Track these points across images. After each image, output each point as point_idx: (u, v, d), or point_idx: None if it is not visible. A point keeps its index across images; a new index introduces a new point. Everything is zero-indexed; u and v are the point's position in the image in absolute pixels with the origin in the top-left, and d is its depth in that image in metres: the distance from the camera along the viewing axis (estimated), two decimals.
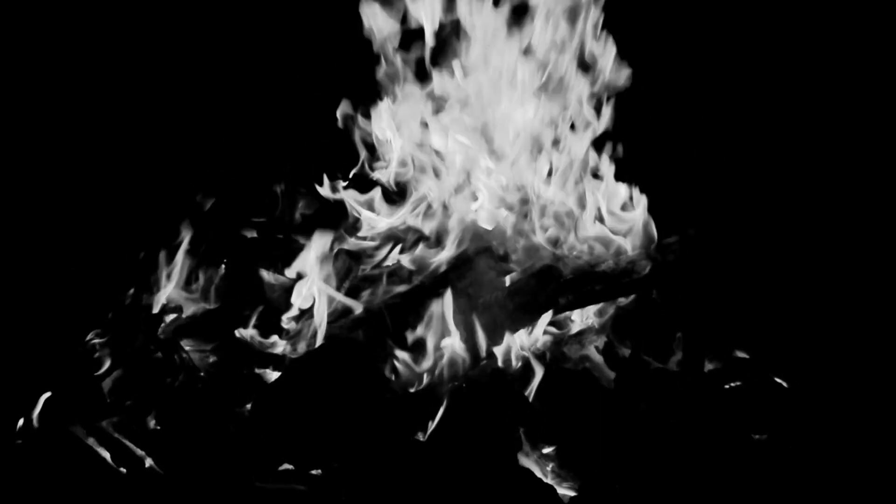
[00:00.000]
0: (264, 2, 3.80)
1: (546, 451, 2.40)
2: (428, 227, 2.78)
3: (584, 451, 2.35)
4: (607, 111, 2.87)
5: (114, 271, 3.10)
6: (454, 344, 2.52)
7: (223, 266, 2.83)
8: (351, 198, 2.87)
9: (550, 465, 2.38)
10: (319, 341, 2.55)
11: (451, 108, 2.85)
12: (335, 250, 2.72)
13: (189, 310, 2.74)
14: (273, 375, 2.53)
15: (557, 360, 2.59)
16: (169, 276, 2.78)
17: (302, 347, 2.60)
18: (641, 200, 2.82)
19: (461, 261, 2.65)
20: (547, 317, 2.62)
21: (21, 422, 2.45)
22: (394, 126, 2.87)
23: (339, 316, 2.62)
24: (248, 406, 2.45)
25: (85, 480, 2.31)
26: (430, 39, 2.80)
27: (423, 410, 2.41)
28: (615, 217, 2.82)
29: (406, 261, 2.70)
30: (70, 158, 3.77)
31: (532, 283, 2.61)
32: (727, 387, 2.56)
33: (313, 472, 2.31)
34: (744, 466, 2.31)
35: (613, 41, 2.84)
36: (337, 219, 2.85)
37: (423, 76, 2.87)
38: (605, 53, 2.83)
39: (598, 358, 2.64)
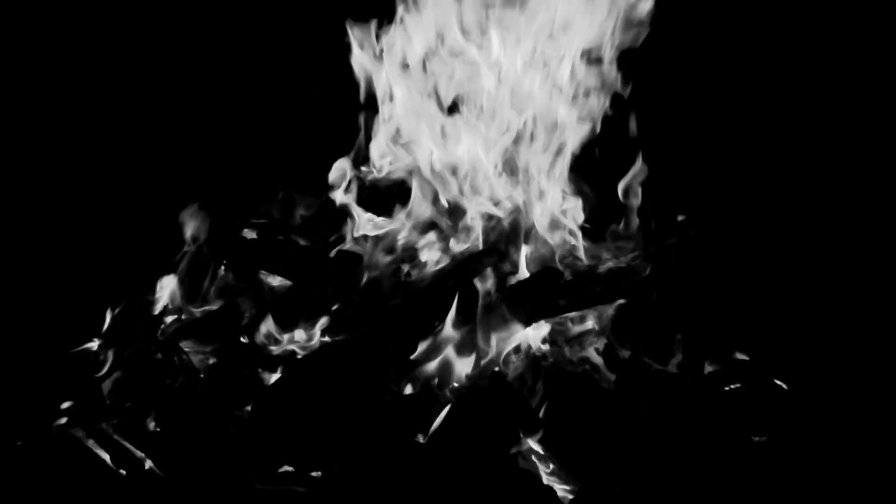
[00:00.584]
0: (265, 3, 3.79)
1: (545, 452, 2.40)
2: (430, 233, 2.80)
3: (584, 452, 2.34)
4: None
5: (114, 272, 3.10)
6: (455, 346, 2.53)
7: (223, 268, 2.82)
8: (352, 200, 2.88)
9: (550, 467, 2.38)
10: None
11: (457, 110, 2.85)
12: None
13: (189, 311, 2.74)
14: (273, 377, 2.53)
15: (557, 362, 2.59)
16: (169, 278, 2.78)
17: (302, 348, 2.61)
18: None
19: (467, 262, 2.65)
20: (546, 319, 2.62)
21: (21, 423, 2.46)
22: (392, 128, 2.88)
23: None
24: (248, 408, 2.45)
25: (85, 482, 2.31)
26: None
27: (422, 412, 2.41)
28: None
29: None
30: (70, 159, 3.77)
31: (532, 285, 2.61)
32: (727, 388, 2.56)
33: (313, 473, 2.31)
34: (743, 468, 2.31)
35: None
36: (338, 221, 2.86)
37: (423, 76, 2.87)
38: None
39: (598, 359, 2.64)
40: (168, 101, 3.83)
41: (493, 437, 2.32)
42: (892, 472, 2.34)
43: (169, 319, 2.70)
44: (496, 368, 2.53)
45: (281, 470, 2.33)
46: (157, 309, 2.73)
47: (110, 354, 2.60)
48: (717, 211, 3.09)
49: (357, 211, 2.88)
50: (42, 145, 3.77)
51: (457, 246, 2.74)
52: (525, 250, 2.75)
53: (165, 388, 2.48)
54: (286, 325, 2.64)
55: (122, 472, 2.33)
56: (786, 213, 3.51)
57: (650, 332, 2.63)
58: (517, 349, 2.60)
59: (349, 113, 3.00)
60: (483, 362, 2.57)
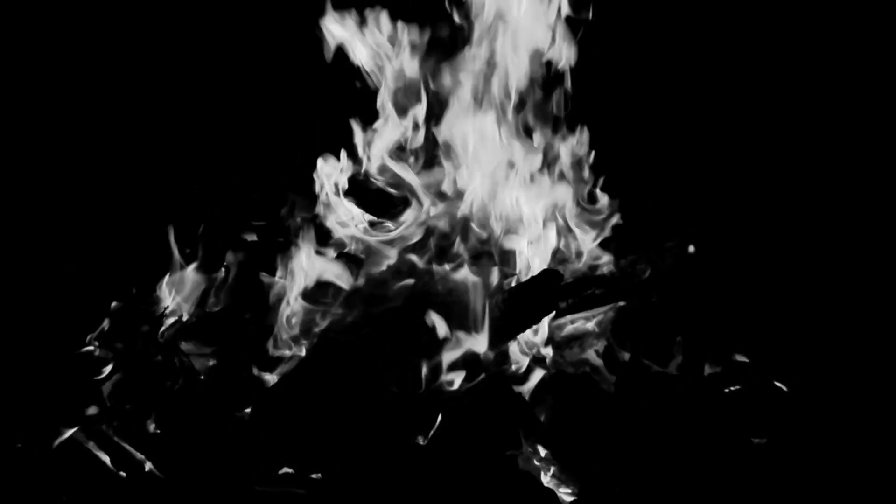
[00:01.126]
0: (267, 4, 3.78)
1: (546, 454, 2.40)
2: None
3: (584, 454, 2.34)
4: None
5: (114, 273, 3.10)
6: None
7: (223, 269, 2.82)
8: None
9: (550, 469, 2.38)
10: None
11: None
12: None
13: (189, 313, 2.74)
14: (273, 378, 2.53)
15: (557, 364, 2.59)
16: (169, 280, 2.78)
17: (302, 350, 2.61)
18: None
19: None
20: (546, 320, 2.62)
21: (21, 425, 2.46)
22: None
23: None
24: (248, 409, 2.45)
25: (84, 484, 2.31)
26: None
27: (423, 414, 2.41)
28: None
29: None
30: (71, 159, 3.77)
31: (532, 287, 2.61)
32: (727, 390, 2.56)
33: (313, 475, 2.32)
34: (743, 470, 2.31)
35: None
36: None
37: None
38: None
39: (598, 361, 2.64)
40: (170, 102, 3.82)
41: (493, 440, 2.32)
42: (893, 473, 2.33)
43: (169, 321, 2.69)
44: (496, 371, 2.53)
45: (281, 472, 2.33)
46: (158, 310, 2.72)
47: (110, 356, 2.59)
48: (717, 212, 3.09)
49: (355, 212, 2.88)
50: (42, 146, 3.77)
51: (454, 249, 2.75)
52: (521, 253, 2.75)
53: (165, 389, 2.48)
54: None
55: (122, 473, 2.33)
56: (786, 215, 3.51)
57: (650, 333, 2.63)
58: (517, 351, 2.60)
59: (348, 113, 3.00)
60: (483, 364, 2.57)
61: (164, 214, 2.91)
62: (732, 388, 2.56)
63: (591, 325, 2.75)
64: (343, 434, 2.34)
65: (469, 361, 2.53)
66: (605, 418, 2.39)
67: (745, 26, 3.73)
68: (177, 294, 2.76)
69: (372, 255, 2.76)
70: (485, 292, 2.53)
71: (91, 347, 2.64)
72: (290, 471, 2.32)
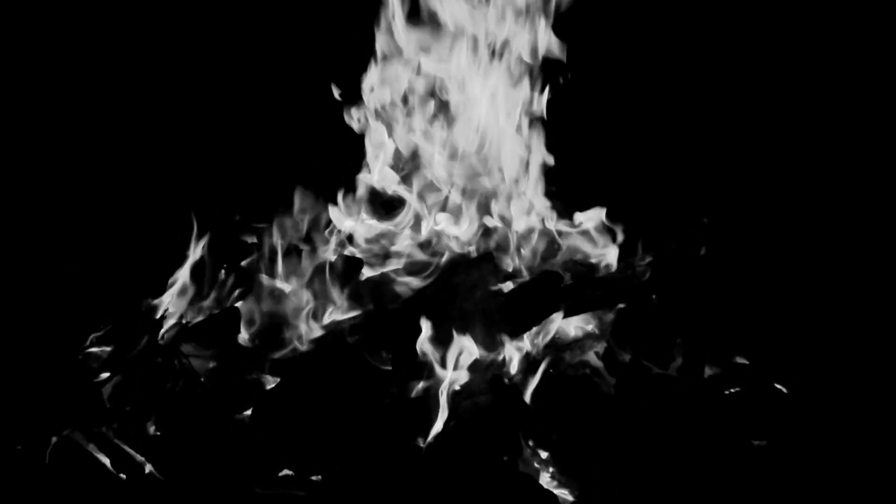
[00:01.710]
0: (270, 4, 3.78)
1: (546, 456, 2.40)
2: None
3: (584, 456, 2.35)
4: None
5: (114, 274, 3.10)
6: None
7: (223, 271, 2.82)
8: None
9: (551, 471, 2.38)
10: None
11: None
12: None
13: (189, 315, 2.74)
14: (273, 381, 2.53)
15: (557, 366, 2.59)
16: (170, 281, 2.78)
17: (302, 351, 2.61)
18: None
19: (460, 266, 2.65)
20: (547, 322, 2.62)
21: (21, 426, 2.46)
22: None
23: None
24: (248, 412, 2.45)
25: (85, 486, 2.31)
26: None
27: (423, 416, 2.41)
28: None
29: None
30: (71, 159, 3.77)
31: (532, 289, 2.61)
32: (727, 392, 2.56)
33: (313, 477, 2.32)
34: (744, 472, 2.32)
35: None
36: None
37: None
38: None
39: (599, 363, 2.64)
40: (171, 103, 3.82)
41: (493, 442, 2.32)
42: (892, 474, 2.34)
43: (169, 323, 2.69)
44: (496, 373, 2.53)
45: (281, 474, 2.33)
46: (158, 312, 2.72)
47: (111, 358, 2.59)
48: (717, 214, 3.08)
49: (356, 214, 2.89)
50: (43, 146, 3.76)
51: (453, 252, 2.75)
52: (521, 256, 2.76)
53: (166, 392, 2.48)
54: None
55: (123, 475, 2.33)
56: (786, 217, 3.51)
57: (650, 335, 2.63)
58: (517, 353, 2.60)
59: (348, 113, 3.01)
60: (483, 366, 2.57)
61: (165, 215, 2.91)
62: (732, 390, 2.56)
63: (591, 327, 2.75)
64: (343, 436, 2.34)
65: (469, 363, 2.54)
66: (605, 420, 2.39)
67: (746, 26, 3.72)
68: (177, 296, 2.76)
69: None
70: (485, 294, 2.54)
71: (91, 349, 2.64)
72: (290, 472, 2.33)
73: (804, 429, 2.50)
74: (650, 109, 3.59)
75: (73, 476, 2.33)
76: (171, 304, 2.74)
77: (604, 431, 2.37)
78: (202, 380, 2.52)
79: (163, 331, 2.65)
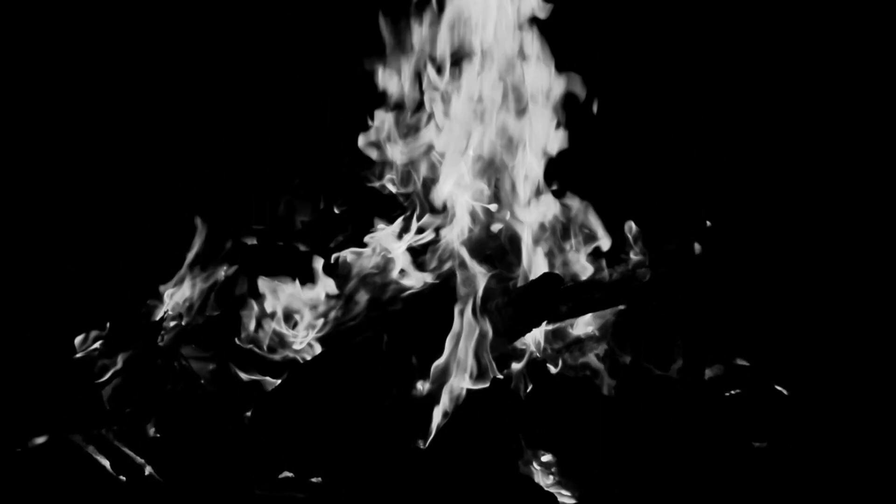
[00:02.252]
0: (270, 5, 3.77)
1: (546, 458, 2.40)
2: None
3: (585, 458, 2.35)
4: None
5: (114, 275, 3.10)
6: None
7: (223, 273, 2.82)
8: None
9: (551, 473, 2.38)
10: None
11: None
12: None
13: (189, 317, 2.74)
14: (273, 382, 2.53)
15: (558, 368, 2.59)
16: (170, 283, 2.78)
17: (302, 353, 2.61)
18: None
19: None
20: (547, 324, 2.62)
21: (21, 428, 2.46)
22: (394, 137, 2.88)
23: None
24: (248, 413, 2.45)
25: (84, 488, 2.31)
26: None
27: (423, 417, 2.41)
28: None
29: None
30: (71, 159, 3.77)
31: (532, 291, 2.61)
32: (727, 394, 2.56)
33: (313, 479, 2.32)
34: (744, 473, 2.32)
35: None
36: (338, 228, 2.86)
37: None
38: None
39: (599, 365, 2.64)
40: (171, 104, 3.81)
41: (493, 443, 2.32)
42: (892, 475, 2.34)
43: (170, 325, 2.69)
44: (496, 375, 2.53)
45: (281, 475, 2.33)
46: (158, 314, 2.72)
47: (110, 359, 2.59)
48: (718, 216, 3.08)
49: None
50: (43, 146, 3.76)
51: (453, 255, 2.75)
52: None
53: (165, 393, 2.48)
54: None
55: (122, 478, 2.33)
56: (786, 219, 3.51)
57: (651, 337, 2.63)
58: (519, 355, 2.60)
59: (348, 114, 3.00)
60: (483, 367, 2.57)
61: (165, 216, 2.91)
62: (733, 392, 2.56)
63: (591, 329, 2.75)
64: (343, 437, 2.34)
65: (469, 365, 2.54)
66: (605, 422, 2.39)
67: (746, 26, 3.71)
68: (177, 298, 2.76)
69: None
70: (485, 297, 2.54)
71: (91, 351, 2.64)
72: (290, 474, 2.32)
73: (804, 430, 2.50)
74: (650, 109, 3.59)
75: (73, 478, 2.32)
76: (171, 305, 2.74)
77: (604, 433, 2.36)
78: (202, 382, 2.52)
79: (163, 332, 2.65)
